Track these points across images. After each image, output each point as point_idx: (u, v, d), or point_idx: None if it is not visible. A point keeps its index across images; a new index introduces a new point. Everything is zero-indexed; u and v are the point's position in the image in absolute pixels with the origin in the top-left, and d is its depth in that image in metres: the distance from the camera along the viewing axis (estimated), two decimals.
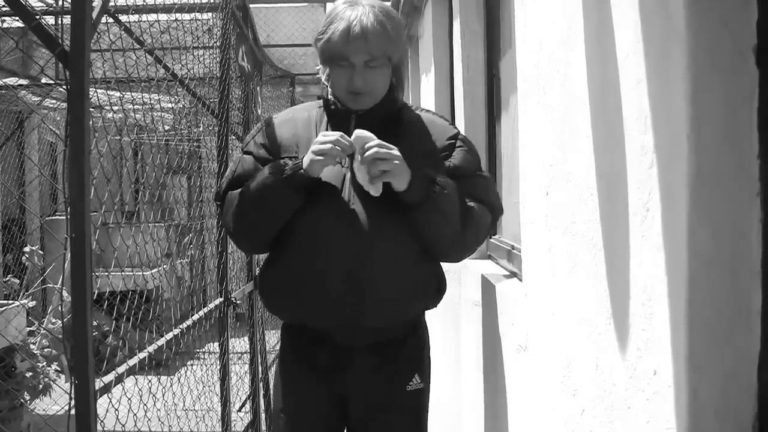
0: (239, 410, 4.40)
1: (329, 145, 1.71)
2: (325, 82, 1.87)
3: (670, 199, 0.98)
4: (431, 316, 2.06)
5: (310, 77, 7.59)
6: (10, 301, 4.26)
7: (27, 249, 5.04)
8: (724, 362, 0.93)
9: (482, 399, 2.41)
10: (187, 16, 3.16)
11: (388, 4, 2.60)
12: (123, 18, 3.04)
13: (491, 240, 2.81)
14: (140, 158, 8.25)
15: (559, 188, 1.52)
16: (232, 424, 3.21)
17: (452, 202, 1.78)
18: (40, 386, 4.22)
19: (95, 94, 3.72)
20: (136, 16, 2.76)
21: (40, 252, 5.24)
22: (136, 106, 4.21)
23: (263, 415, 4.02)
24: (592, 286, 1.30)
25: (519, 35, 1.90)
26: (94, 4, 1.62)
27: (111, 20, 2.98)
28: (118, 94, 3.70)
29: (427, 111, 1.99)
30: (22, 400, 4.13)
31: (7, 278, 5.24)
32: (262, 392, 4.20)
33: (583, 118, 1.33)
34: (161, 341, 2.32)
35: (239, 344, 4.71)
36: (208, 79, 3.39)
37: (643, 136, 1.05)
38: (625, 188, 1.12)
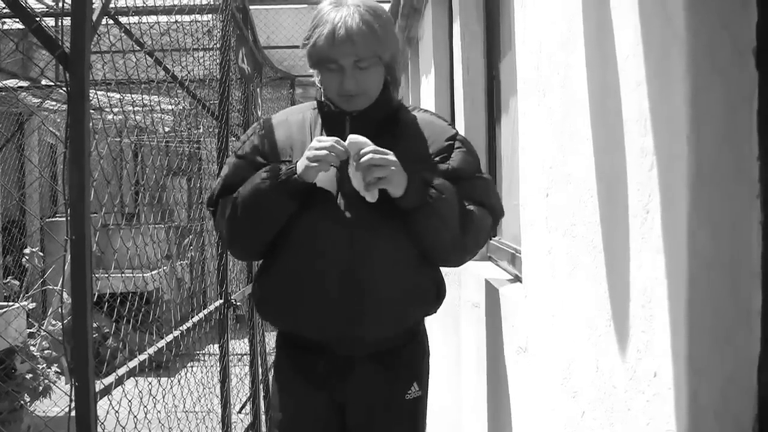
0: (239, 412, 4.40)
1: (324, 152, 1.67)
2: (319, 85, 1.84)
3: (670, 201, 0.98)
4: (431, 318, 2.05)
5: (310, 79, 7.57)
6: (10, 303, 4.26)
7: (27, 251, 5.05)
8: (724, 364, 0.93)
9: (482, 400, 2.41)
10: (187, 18, 3.15)
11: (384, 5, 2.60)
12: (123, 20, 3.04)
13: (492, 242, 2.81)
14: (140, 160, 8.24)
15: (559, 190, 1.52)
16: (233, 426, 3.21)
17: (451, 206, 1.74)
18: (41, 388, 4.22)
19: (95, 96, 3.72)
20: (137, 17, 2.77)
21: (40, 254, 5.24)
22: (136, 108, 4.21)
23: (263, 417, 4.01)
24: (592, 287, 1.30)
25: (519, 37, 1.89)
26: (94, 6, 1.63)
27: (111, 22, 2.98)
28: (118, 95, 3.70)
29: (425, 111, 1.95)
30: (22, 402, 4.13)
31: (7, 280, 5.24)
32: (262, 394, 4.20)
33: (583, 119, 1.33)
34: (161, 343, 2.32)
35: (239, 346, 4.71)
36: (208, 80, 3.39)
37: (643, 138, 1.05)
38: (625, 190, 1.12)
